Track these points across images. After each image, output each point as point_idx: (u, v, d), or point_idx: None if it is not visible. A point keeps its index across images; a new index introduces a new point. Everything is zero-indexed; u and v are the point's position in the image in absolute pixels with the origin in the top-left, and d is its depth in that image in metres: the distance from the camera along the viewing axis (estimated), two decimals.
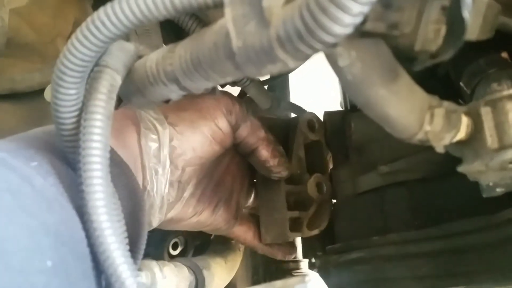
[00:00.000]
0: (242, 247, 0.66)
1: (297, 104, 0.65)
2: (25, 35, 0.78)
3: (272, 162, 0.51)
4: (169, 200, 0.45)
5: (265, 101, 0.53)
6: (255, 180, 0.58)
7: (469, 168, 0.32)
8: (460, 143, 0.32)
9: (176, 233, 0.61)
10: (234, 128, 0.48)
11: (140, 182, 0.42)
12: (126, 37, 0.47)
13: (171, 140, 0.44)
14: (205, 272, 0.55)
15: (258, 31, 0.23)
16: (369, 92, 0.27)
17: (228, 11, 0.24)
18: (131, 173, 0.37)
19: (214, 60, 0.25)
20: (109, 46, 0.30)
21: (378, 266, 0.48)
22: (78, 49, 0.28)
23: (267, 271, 0.76)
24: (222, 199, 0.53)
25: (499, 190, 0.34)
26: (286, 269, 0.75)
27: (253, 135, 0.50)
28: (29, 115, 0.79)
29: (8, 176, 0.28)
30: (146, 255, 0.57)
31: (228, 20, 0.24)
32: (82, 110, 0.29)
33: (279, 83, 0.77)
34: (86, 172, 0.28)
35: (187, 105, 0.46)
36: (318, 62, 0.28)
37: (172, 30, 0.52)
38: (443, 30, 0.25)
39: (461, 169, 0.33)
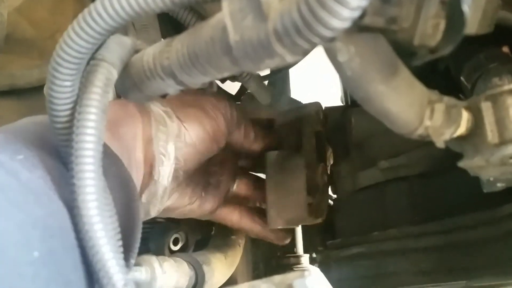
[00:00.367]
0: (242, 243, 0.66)
1: (297, 99, 0.65)
2: (23, 30, 0.77)
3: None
4: (169, 190, 0.47)
5: (266, 96, 0.53)
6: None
7: (470, 163, 0.32)
8: (460, 138, 0.32)
9: (177, 229, 0.61)
10: (229, 131, 0.51)
11: (137, 176, 0.42)
12: (124, 31, 0.47)
13: (178, 133, 0.46)
14: (205, 268, 0.55)
15: (256, 25, 0.23)
16: (368, 88, 0.27)
17: (225, 5, 0.24)
18: (121, 163, 0.37)
19: (211, 54, 0.25)
20: (106, 40, 0.30)
21: (379, 261, 0.48)
22: (75, 40, 0.27)
23: (268, 266, 0.76)
24: (213, 187, 0.55)
25: (499, 185, 0.34)
26: (287, 264, 0.75)
27: (246, 138, 0.54)
28: (29, 111, 0.78)
29: None
30: (147, 250, 0.57)
31: (225, 14, 0.24)
32: (77, 103, 0.29)
33: (280, 78, 0.76)
34: (78, 165, 0.27)
35: (192, 102, 0.48)
36: (319, 57, 0.28)
37: (171, 25, 0.52)
38: (442, 24, 0.25)
39: (461, 164, 0.33)
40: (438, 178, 0.45)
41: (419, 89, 0.30)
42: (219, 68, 0.25)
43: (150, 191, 0.44)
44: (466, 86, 0.39)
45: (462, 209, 0.42)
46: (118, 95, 0.37)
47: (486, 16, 0.29)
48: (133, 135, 0.42)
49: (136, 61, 0.30)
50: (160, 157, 0.44)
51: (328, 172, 0.59)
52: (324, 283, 0.53)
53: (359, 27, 0.24)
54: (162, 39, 0.50)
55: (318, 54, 0.27)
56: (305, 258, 0.76)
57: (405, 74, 0.28)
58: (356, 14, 0.20)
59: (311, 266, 0.75)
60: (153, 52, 0.29)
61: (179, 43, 0.27)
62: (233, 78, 0.53)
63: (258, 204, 0.62)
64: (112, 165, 0.36)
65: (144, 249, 0.56)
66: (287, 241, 0.61)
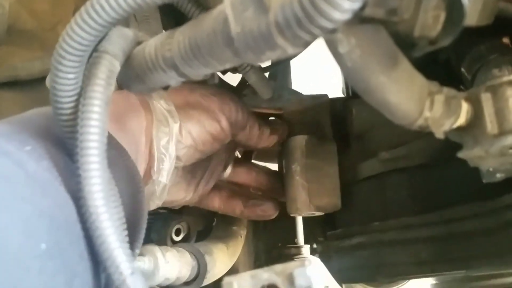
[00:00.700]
0: (243, 234, 0.67)
1: (299, 91, 0.65)
2: (25, 22, 0.77)
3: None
4: (168, 188, 0.47)
5: (267, 90, 0.53)
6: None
7: (469, 154, 0.32)
8: (460, 129, 0.32)
9: (179, 220, 0.62)
10: (234, 133, 0.51)
11: (143, 169, 0.43)
12: (126, 23, 0.47)
13: (180, 133, 0.46)
14: (207, 258, 0.55)
15: (257, 17, 0.23)
16: (369, 79, 0.27)
17: None
18: (128, 155, 0.38)
19: (213, 46, 0.25)
20: (108, 32, 0.30)
21: (378, 251, 0.49)
22: (77, 33, 0.27)
23: (269, 256, 0.77)
24: (206, 179, 0.55)
25: (499, 175, 0.34)
26: (288, 255, 0.75)
27: (250, 140, 0.54)
28: (31, 103, 0.79)
29: (1, 162, 0.28)
30: (149, 241, 0.58)
31: (227, 5, 0.24)
32: (81, 95, 0.29)
33: (281, 70, 0.76)
34: (83, 157, 0.28)
35: (197, 103, 0.48)
36: (320, 48, 0.28)
37: (172, 16, 0.52)
38: (442, 16, 0.25)
39: (461, 155, 0.33)
40: (438, 169, 0.46)
41: (419, 81, 0.30)
42: (220, 60, 0.26)
43: (149, 189, 0.45)
44: (467, 77, 0.39)
45: (461, 199, 0.42)
46: (119, 87, 0.38)
47: (486, 8, 0.29)
48: (140, 129, 0.43)
49: (138, 53, 0.30)
50: (161, 156, 0.44)
51: None
52: (325, 273, 0.53)
53: (359, 19, 0.24)
54: (164, 31, 0.50)
55: (319, 45, 0.27)
56: (306, 249, 0.76)
57: (406, 65, 0.29)
58: (356, 5, 0.20)
59: (311, 256, 0.76)
60: (155, 44, 0.29)
61: (181, 35, 0.27)
62: (234, 70, 0.53)
63: (254, 190, 0.63)
64: (118, 157, 0.36)
65: (147, 240, 0.56)
66: (274, 212, 0.60)
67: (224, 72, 0.57)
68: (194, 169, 0.52)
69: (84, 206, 0.28)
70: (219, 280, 0.58)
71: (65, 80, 0.29)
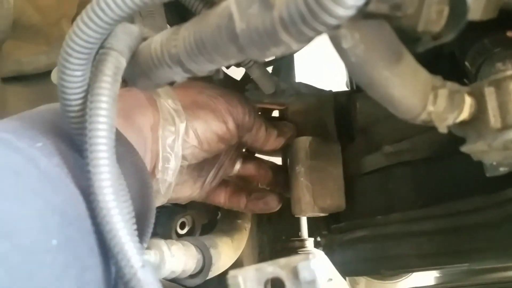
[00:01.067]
0: (248, 227, 0.67)
1: (303, 83, 0.65)
2: (30, 16, 0.78)
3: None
4: (174, 185, 0.48)
5: (269, 86, 0.53)
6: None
7: (472, 148, 0.32)
8: (463, 123, 0.32)
9: (183, 213, 0.62)
10: (240, 135, 0.52)
11: (149, 166, 0.43)
12: (131, 19, 0.47)
13: (186, 133, 0.46)
14: (212, 251, 0.56)
15: (262, 13, 0.23)
16: (372, 74, 0.27)
17: None
18: (136, 152, 0.38)
19: (218, 42, 0.25)
20: (114, 29, 0.30)
21: (382, 244, 0.49)
22: (84, 31, 0.28)
23: (273, 250, 0.78)
24: (212, 176, 0.56)
25: (502, 169, 0.34)
26: (292, 248, 0.76)
27: (256, 143, 0.54)
28: (37, 97, 0.80)
29: (14, 158, 0.28)
30: (155, 234, 0.58)
31: (232, 2, 0.24)
32: (88, 92, 0.30)
33: (285, 64, 0.76)
34: (92, 153, 0.28)
35: (204, 104, 0.48)
36: (323, 42, 0.28)
37: (177, 11, 0.52)
38: (446, 11, 0.25)
39: (464, 149, 0.33)
40: (442, 163, 0.46)
41: (422, 75, 0.30)
42: (225, 55, 0.26)
43: (153, 188, 0.45)
44: (471, 71, 0.39)
45: (465, 193, 0.42)
46: (125, 82, 0.38)
47: (490, 2, 0.29)
48: (147, 127, 0.43)
49: (144, 49, 0.30)
50: (167, 155, 0.45)
51: None
52: (328, 266, 0.54)
53: (363, 14, 0.24)
54: (168, 26, 0.51)
55: (323, 39, 0.27)
56: (309, 242, 0.77)
57: (409, 60, 0.29)
58: (360, 2, 0.20)
59: (315, 249, 0.76)
60: (161, 40, 0.29)
61: (186, 31, 0.27)
62: (237, 64, 0.53)
63: (262, 186, 0.63)
64: (127, 153, 0.37)
65: (152, 233, 0.57)
66: (277, 204, 0.60)
67: (227, 66, 0.57)
68: (201, 167, 0.53)
69: (94, 201, 0.28)
70: (224, 273, 0.59)
71: (73, 77, 0.29)
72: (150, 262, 0.47)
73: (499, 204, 0.39)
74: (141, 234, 0.33)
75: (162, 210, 0.61)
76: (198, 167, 0.52)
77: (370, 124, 0.54)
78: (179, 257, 0.50)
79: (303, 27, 0.22)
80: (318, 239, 0.73)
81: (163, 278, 0.50)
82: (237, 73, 0.59)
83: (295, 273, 0.26)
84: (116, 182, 0.29)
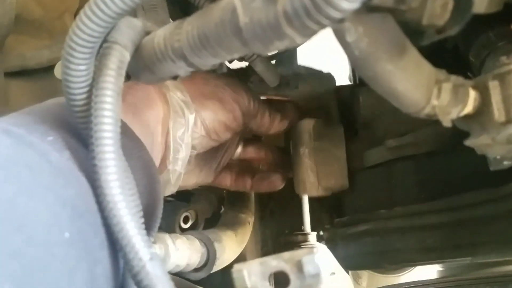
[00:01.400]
0: (251, 221, 0.68)
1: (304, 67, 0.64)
2: (32, 11, 0.78)
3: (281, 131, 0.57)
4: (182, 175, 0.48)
5: (274, 78, 0.53)
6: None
7: (476, 141, 0.32)
8: (467, 117, 0.32)
9: (186, 207, 0.63)
10: (246, 123, 0.52)
11: (157, 160, 0.44)
12: (133, 12, 0.47)
13: (195, 123, 0.47)
14: (216, 245, 0.56)
15: (265, 7, 0.23)
16: (376, 67, 0.27)
17: None
18: (143, 146, 0.38)
19: (221, 36, 0.25)
20: (117, 22, 0.30)
21: (385, 238, 0.49)
22: (87, 25, 0.28)
23: (276, 243, 0.78)
24: (217, 162, 0.56)
25: (506, 163, 0.34)
26: (295, 242, 0.76)
27: (261, 127, 0.55)
28: (40, 91, 0.80)
29: (26, 153, 0.29)
30: (158, 228, 0.59)
31: None
32: (92, 86, 0.30)
33: (287, 57, 0.76)
34: (98, 147, 0.28)
35: (211, 94, 0.49)
36: (327, 35, 0.28)
37: (179, 5, 0.52)
38: (450, 4, 0.25)
39: (468, 143, 0.33)
40: (445, 157, 0.46)
41: (426, 69, 0.30)
42: (229, 50, 0.26)
43: (164, 178, 0.46)
44: (475, 64, 0.38)
45: (468, 187, 0.42)
46: (128, 76, 0.38)
47: None
48: (156, 120, 0.44)
49: (147, 43, 0.30)
50: (177, 147, 0.46)
51: None
52: (331, 259, 0.54)
53: (367, 7, 0.24)
54: (171, 20, 0.51)
55: (326, 32, 0.27)
56: (312, 236, 0.77)
57: (413, 53, 0.29)
58: None
59: (318, 243, 0.76)
60: (164, 34, 0.29)
61: (189, 25, 0.27)
62: (240, 58, 0.53)
63: (263, 167, 0.64)
64: (134, 148, 0.37)
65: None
66: (281, 182, 0.61)
67: (230, 61, 0.57)
68: (207, 155, 0.53)
69: (101, 195, 0.28)
70: (228, 267, 0.59)
71: (77, 72, 0.29)
72: (158, 255, 0.47)
73: (503, 198, 0.39)
74: (148, 227, 0.33)
75: (166, 204, 0.61)
76: (204, 155, 0.53)
77: (373, 118, 0.54)
78: (184, 251, 0.50)
79: (307, 21, 0.21)
80: (321, 233, 0.74)
81: (168, 272, 0.51)
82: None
83: (299, 266, 0.26)
84: (122, 175, 0.29)
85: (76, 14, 0.82)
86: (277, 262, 0.27)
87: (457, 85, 0.30)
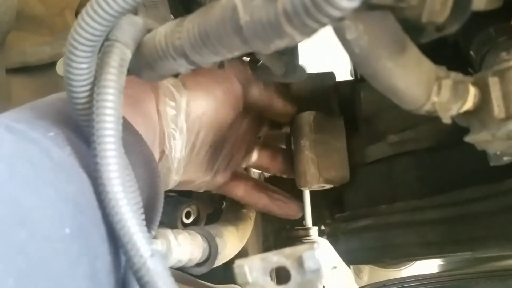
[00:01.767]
0: (253, 216, 0.68)
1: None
2: (33, 7, 0.78)
3: (286, 112, 0.55)
4: (185, 163, 0.47)
5: (279, 66, 0.52)
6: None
7: (476, 138, 0.33)
8: (467, 113, 0.32)
9: (188, 203, 0.63)
10: (246, 91, 0.50)
11: (157, 148, 0.43)
12: (134, 10, 0.47)
13: (187, 105, 0.46)
14: (218, 240, 0.56)
15: (266, 5, 0.23)
16: (376, 65, 0.28)
17: None
18: (144, 141, 0.39)
19: (222, 34, 0.25)
20: (118, 21, 0.30)
21: (386, 233, 0.49)
22: (89, 23, 0.28)
23: (278, 238, 0.78)
24: (227, 161, 0.55)
25: (506, 159, 0.34)
26: (296, 237, 0.77)
27: (266, 92, 0.52)
28: (41, 87, 0.80)
29: (28, 149, 0.29)
30: (161, 224, 0.59)
31: None
32: (95, 84, 0.30)
33: (289, 51, 0.76)
34: (100, 144, 0.29)
35: (202, 70, 0.47)
36: (327, 30, 0.28)
37: (180, 1, 0.52)
38: (450, 1, 0.25)
39: (468, 139, 0.33)
40: (446, 152, 0.46)
41: (426, 66, 0.30)
42: (229, 48, 0.26)
43: (164, 166, 0.45)
44: (475, 60, 0.39)
45: (469, 182, 0.43)
46: (129, 74, 0.38)
47: None
48: (152, 108, 0.43)
49: (148, 41, 0.30)
50: (171, 131, 0.44)
51: None
52: (333, 254, 0.54)
53: (367, 5, 0.24)
54: (172, 16, 0.50)
55: (327, 28, 0.27)
56: (314, 231, 0.77)
57: (413, 51, 0.29)
58: None
59: (319, 238, 0.77)
60: (165, 32, 0.29)
61: (190, 23, 0.27)
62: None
63: (275, 174, 0.63)
64: (134, 143, 0.37)
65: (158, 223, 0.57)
66: (298, 213, 0.60)
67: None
68: (213, 149, 0.52)
69: (103, 193, 0.28)
70: (230, 262, 0.59)
71: (79, 70, 0.29)
72: (159, 251, 0.47)
73: (503, 193, 0.40)
74: (149, 223, 0.34)
75: (168, 199, 0.61)
76: (211, 149, 0.51)
77: (374, 114, 0.54)
78: (186, 246, 0.50)
79: (307, 19, 0.22)
80: (322, 228, 0.74)
81: (170, 267, 0.51)
82: None
83: (300, 262, 0.26)
84: (124, 173, 0.29)
85: (77, 10, 0.82)
86: (278, 257, 0.27)
87: (457, 82, 0.31)
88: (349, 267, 0.77)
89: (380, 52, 0.27)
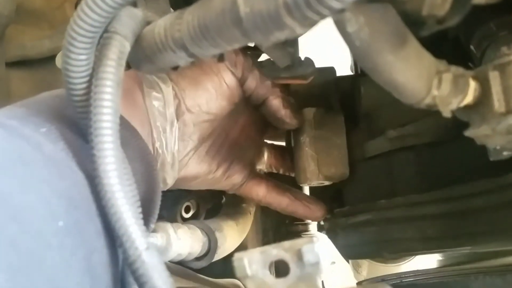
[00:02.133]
0: (252, 211, 0.68)
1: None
2: (33, 1, 0.78)
3: (284, 112, 0.52)
4: (181, 157, 0.46)
5: (284, 57, 0.49)
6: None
7: (476, 132, 0.33)
8: (467, 107, 0.32)
9: (188, 197, 0.63)
10: (241, 81, 0.48)
11: (149, 141, 0.43)
12: (134, 2, 0.47)
13: (175, 97, 0.45)
14: (217, 234, 0.56)
15: None
16: (377, 58, 0.27)
17: None
18: (139, 135, 0.38)
19: (222, 27, 0.25)
20: (118, 13, 0.30)
21: (385, 227, 0.49)
22: (88, 14, 0.28)
23: (277, 233, 0.78)
24: (237, 158, 0.54)
25: (506, 153, 0.34)
26: (296, 232, 0.77)
27: (262, 85, 0.50)
28: (41, 81, 0.80)
29: (20, 145, 0.29)
30: (160, 218, 0.59)
31: None
32: (93, 76, 0.30)
33: (292, 44, 0.75)
34: (97, 137, 0.28)
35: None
36: (328, 24, 0.28)
37: None
38: None
39: (468, 133, 0.33)
40: (446, 147, 0.46)
41: (427, 59, 0.30)
42: (229, 40, 0.26)
43: (157, 160, 0.44)
44: (476, 55, 0.38)
45: (468, 177, 0.43)
46: (128, 67, 0.38)
47: None
48: (142, 105, 0.43)
49: (147, 34, 0.30)
50: (160, 125, 0.43)
51: None
52: (332, 249, 0.54)
53: None
54: (172, 9, 0.50)
55: (327, 22, 0.27)
56: (313, 226, 0.77)
57: (414, 44, 0.29)
58: None
59: (319, 233, 0.77)
60: (164, 24, 0.29)
61: (190, 16, 0.27)
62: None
63: (285, 173, 0.62)
64: (130, 137, 0.37)
65: (158, 217, 0.57)
66: (322, 215, 0.59)
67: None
68: (212, 142, 0.51)
69: (99, 185, 0.28)
70: (229, 256, 0.59)
71: (77, 61, 0.29)
72: (155, 244, 0.47)
73: (503, 188, 0.39)
74: (147, 216, 0.33)
75: (167, 194, 0.61)
76: (207, 143, 0.50)
77: (374, 108, 0.54)
78: (185, 240, 0.50)
79: (307, 11, 0.21)
80: (322, 223, 0.74)
81: (170, 261, 0.51)
82: None
83: (299, 255, 0.26)
84: (121, 166, 0.29)
85: (76, 4, 0.82)
86: (277, 251, 0.27)
87: (458, 76, 0.31)
88: (348, 262, 0.77)
89: (381, 45, 0.27)
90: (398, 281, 0.58)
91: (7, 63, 0.76)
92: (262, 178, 0.58)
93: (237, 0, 0.24)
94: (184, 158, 0.47)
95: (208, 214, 0.67)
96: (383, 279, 0.62)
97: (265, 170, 0.62)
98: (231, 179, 0.54)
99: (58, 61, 0.75)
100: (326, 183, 0.56)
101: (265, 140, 0.62)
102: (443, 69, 0.30)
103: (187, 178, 0.50)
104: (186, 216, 0.63)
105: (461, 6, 0.25)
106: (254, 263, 0.27)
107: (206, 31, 0.26)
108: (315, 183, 0.56)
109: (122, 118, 0.36)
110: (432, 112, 0.32)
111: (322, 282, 0.27)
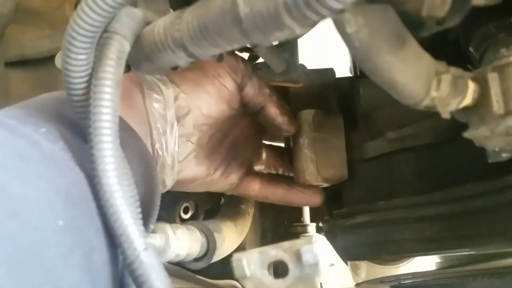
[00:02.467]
0: (251, 212, 0.68)
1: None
2: (32, 0, 0.78)
3: (282, 119, 0.52)
4: (180, 159, 0.46)
5: (279, 63, 0.51)
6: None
7: (475, 133, 0.33)
8: (466, 109, 0.32)
9: (186, 198, 0.63)
10: (240, 87, 0.49)
11: (148, 142, 0.43)
12: (134, 2, 0.47)
13: (176, 99, 0.45)
14: (216, 235, 0.56)
15: None
16: (376, 58, 0.27)
17: None
18: (138, 136, 0.38)
19: (221, 27, 0.25)
20: (117, 12, 0.30)
21: (384, 229, 0.49)
22: (88, 14, 0.28)
23: (276, 234, 0.78)
24: (235, 160, 0.54)
25: (504, 155, 0.34)
26: (294, 233, 0.77)
27: (260, 92, 0.50)
28: (40, 81, 0.80)
29: (19, 143, 0.29)
30: (159, 219, 0.59)
31: None
32: (92, 76, 0.30)
33: (288, 48, 0.76)
34: (96, 136, 0.28)
35: (190, 64, 0.46)
36: (327, 26, 0.28)
37: None
38: None
39: (466, 134, 0.33)
40: (444, 148, 0.46)
41: (426, 60, 0.30)
42: (229, 40, 0.26)
43: (156, 161, 0.44)
44: (475, 57, 0.38)
45: (467, 178, 0.43)
46: (128, 67, 0.38)
47: None
48: (142, 106, 0.43)
49: (147, 33, 0.30)
50: (160, 126, 0.43)
51: None
52: (330, 251, 0.54)
53: None
54: (171, 10, 0.50)
55: (326, 24, 0.27)
56: (311, 227, 0.77)
57: (413, 45, 0.29)
58: None
59: (317, 234, 0.77)
60: (164, 24, 0.29)
61: (190, 16, 0.27)
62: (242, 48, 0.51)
63: (284, 173, 0.62)
64: (129, 138, 0.37)
65: (156, 217, 0.57)
66: (320, 198, 0.58)
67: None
68: (212, 144, 0.51)
69: (98, 185, 0.28)
70: (228, 257, 0.59)
71: (77, 61, 0.29)
72: (153, 245, 0.47)
73: (501, 189, 0.40)
74: (146, 217, 0.33)
75: (166, 195, 0.61)
76: (207, 145, 0.50)
77: (373, 110, 0.54)
78: (184, 241, 0.50)
79: (307, 11, 0.21)
80: (320, 224, 0.74)
81: (168, 262, 0.51)
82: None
83: (298, 256, 0.26)
84: (120, 166, 0.29)
85: (76, 4, 0.82)
86: (276, 251, 0.27)
87: (457, 77, 0.31)
88: (347, 263, 0.77)
89: (380, 45, 0.27)
90: (397, 283, 0.58)
91: (6, 62, 0.76)
92: (257, 174, 0.58)
93: (236, 0, 0.24)
94: (183, 161, 0.47)
95: (206, 215, 0.67)
96: (381, 280, 0.62)
97: (265, 171, 0.62)
98: (228, 179, 0.54)
99: (58, 61, 0.75)
100: (325, 185, 0.56)
101: (264, 141, 0.63)
102: (442, 70, 0.30)
103: (186, 180, 0.50)
104: (185, 217, 0.63)
105: (460, 7, 0.25)
106: (252, 263, 0.27)
107: (206, 31, 0.26)
108: (314, 185, 0.56)
109: (120, 119, 0.36)
110: (431, 114, 0.32)
111: (321, 284, 0.27)
